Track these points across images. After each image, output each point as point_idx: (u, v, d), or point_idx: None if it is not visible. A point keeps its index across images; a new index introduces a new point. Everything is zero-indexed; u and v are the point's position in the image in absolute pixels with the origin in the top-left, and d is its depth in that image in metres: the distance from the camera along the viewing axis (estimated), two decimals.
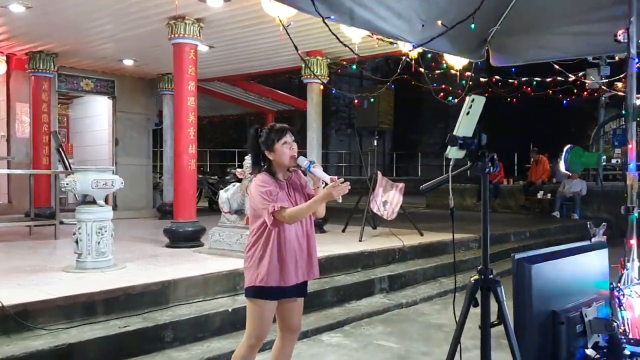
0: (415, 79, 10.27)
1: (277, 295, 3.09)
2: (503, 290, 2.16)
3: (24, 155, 10.35)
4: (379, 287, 6.38)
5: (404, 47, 6.66)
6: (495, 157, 2.10)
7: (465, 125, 2.04)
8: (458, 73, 7.35)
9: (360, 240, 7.62)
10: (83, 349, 3.97)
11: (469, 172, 2.11)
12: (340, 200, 2.94)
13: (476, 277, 2.22)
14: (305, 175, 3.26)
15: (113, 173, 5.67)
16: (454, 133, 2.04)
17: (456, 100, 7.00)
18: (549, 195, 13.37)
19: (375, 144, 8.65)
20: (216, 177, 14.14)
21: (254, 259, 3.07)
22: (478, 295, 2.25)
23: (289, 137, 3.09)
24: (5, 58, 10.08)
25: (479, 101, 2.06)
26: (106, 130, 12.23)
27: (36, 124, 9.79)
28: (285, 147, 3.07)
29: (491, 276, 2.21)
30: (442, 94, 9.26)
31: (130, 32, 8.10)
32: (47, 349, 3.81)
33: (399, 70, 5.16)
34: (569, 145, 3.52)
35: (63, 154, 10.39)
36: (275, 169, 3.12)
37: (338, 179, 2.94)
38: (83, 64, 10.62)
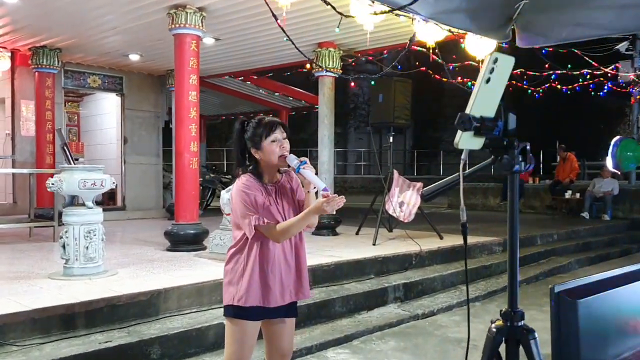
0: (435, 73, 9.76)
1: (259, 315, 2.62)
2: (539, 345, 1.53)
3: (28, 154, 10.02)
4: (393, 296, 5.85)
5: (418, 33, 6.15)
6: (528, 148, 1.48)
7: (483, 99, 1.38)
8: (480, 64, 6.79)
9: (374, 244, 7.11)
10: None
11: (492, 169, 1.57)
12: (333, 212, 2.52)
13: (499, 322, 1.58)
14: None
15: (103, 172, 5.23)
16: (467, 111, 1.40)
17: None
18: (577, 195, 12.68)
19: (391, 140, 8.10)
20: (230, 176, 13.74)
21: (234, 275, 2.62)
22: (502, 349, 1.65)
23: (279, 134, 2.61)
24: (9, 54, 9.76)
25: (505, 62, 1.41)
26: (115, 129, 11.88)
27: (40, 121, 9.47)
28: (275, 146, 2.59)
29: (521, 323, 1.57)
30: (460, 78, 8.67)
31: (132, 24, 7.71)
32: None
33: (407, 48, 4.62)
34: (617, 138, 2.94)
35: (68, 153, 10.03)
36: (263, 170, 2.65)
37: (331, 194, 2.47)
38: (88, 59, 10.28)
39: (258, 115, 2.73)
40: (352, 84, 10.15)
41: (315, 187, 2.63)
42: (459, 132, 1.40)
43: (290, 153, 2.63)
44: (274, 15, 3.86)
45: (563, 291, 1.41)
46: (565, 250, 9.15)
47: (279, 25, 3.90)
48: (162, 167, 12.33)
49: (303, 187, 2.71)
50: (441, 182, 1.59)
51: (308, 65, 8.27)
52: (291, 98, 13.98)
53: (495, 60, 1.41)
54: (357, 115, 29.37)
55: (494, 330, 1.54)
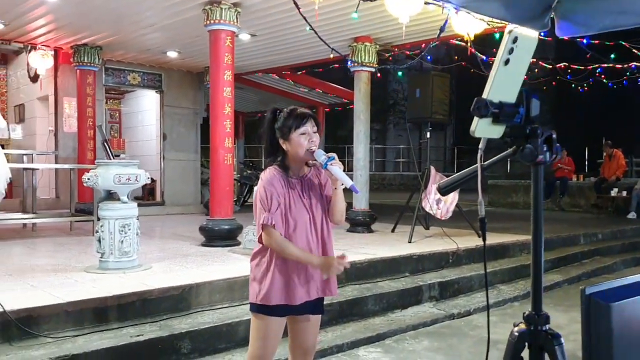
0: (474, 67, 9.53)
1: (284, 311, 2.58)
2: (565, 352, 1.38)
3: (71, 150, 10.25)
4: (428, 295, 5.73)
5: (456, 26, 5.99)
6: (554, 137, 1.34)
7: (502, 83, 1.25)
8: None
9: (409, 242, 6.99)
10: None
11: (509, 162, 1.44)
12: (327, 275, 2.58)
13: (522, 325, 1.45)
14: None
15: (138, 167, 5.28)
16: (484, 96, 1.26)
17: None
18: (623, 193, 12.23)
19: (429, 136, 7.94)
20: None
21: (258, 271, 2.60)
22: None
23: (309, 127, 2.53)
24: (52, 52, 10.00)
25: (527, 41, 1.27)
26: (155, 125, 12.05)
27: (81, 118, 9.67)
28: (303, 139, 2.51)
29: (546, 327, 1.42)
30: None
31: (170, 21, 7.79)
32: None
33: (437, 36, 4.47)
34: None
35: (108, 149, 10.23)
36: (289, 163, 2.58)
37: (360, 192, 2.39)
38: (128, 56, 10.44)
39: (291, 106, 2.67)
40: (379, 74, 9.94)
41: (342, 185, 2.57)
42: (476, 119, 1.28)
43: (319, 148, 2.56)
44: (300, 12, 3.78)
45: (595, 293, 1.29)
46: (610, 250, 8.82)
47: (307, 22, 3.82)
48: (201, 163, 12.44)
49: (331, 183, 2.62)
50: (458, 174, 1.48)
51: (332, 57, 8.15)
52: (329, 94, 13.91)
53: (515, 40, 1.27)
54: (396, 112, 29.10)
55: (516, 334, 1.41)
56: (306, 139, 2.52)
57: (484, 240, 1.47)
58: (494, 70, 1.25)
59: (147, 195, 11.51)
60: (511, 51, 1.25)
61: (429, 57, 7.23)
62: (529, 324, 1.39)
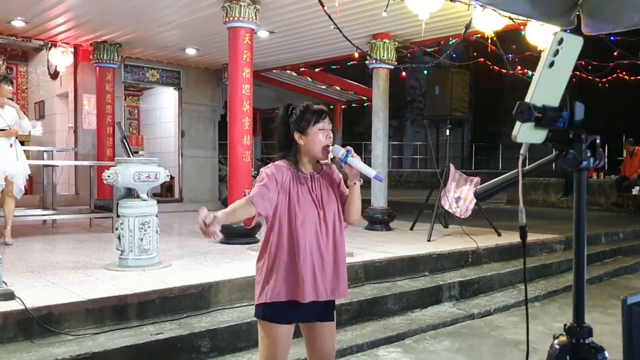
0: (494, 64, 9.44)
1: (291, 316, 2.50)
2: None
3: (90, 146, 10.33)
4: (448, 295, 5.68)
5: (477, 22, 5.92)
6: (597, 142, 1.29)
7: (546, 86, 1.21)
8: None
9: (428, 240, 6.93)
10: (108, 359, 3.57)
11: (553, 164, 1.38)
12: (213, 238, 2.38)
13: (563, 339, 1.37)
14: (341, 168, 2.66)
15: (158, 165, 5.28)
16: (527, 100, 1.22)
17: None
18: None
19: (448, 133, 7.85)
20: None
21: (264, 271, 2.51)
22: None
23: (327, 124, 2.50)
24: (72, 50, 10.06)
25: (572, 43, 1.23)
26: (173, 122, 12.09)
27: (100, 115, 9.73)
28: (321, 134, 2.48)
29: (589, 340, 1.36)
30: (519, 67, 8.32)
31: (189, 18, 7.78)
32: (67, 359, 3.44)
33: (463, 34, 4.40)
34: None
35: (127, 145, 10.29)
36: (301, 158, 2.53)
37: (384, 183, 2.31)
38: (147, 53, 10.48)
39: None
40: (404, 74, 9.89)
41: (361, 179, 2.52)
42: (518, 124, 1.22)
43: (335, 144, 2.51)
44: (324, 10, 3.74)
45: (636, 303, 1.24)
46: (632, 249, 8.68)
47: (331, 19, 3.78)
48: (219, 160, 12.47)
49: (348, 180, 2.56)
50: (497, 179, 1.42)
51: (356, 55, 8.10)
52: (347, 91, 13.85)
53: (561, 41, 1.23)
54: (413, 108, 28.94)
55: (557, 347, 1.33)
56: (324, 135, 2.49)
57: (524, 248, 1.42)
58: (538, 72, 1.20)
59: (165, 192, 11.55)
60: (556, 53, 1.20)
61: (454, 55, 7.13)
62: (570, 336, 1.33)
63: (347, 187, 2.59)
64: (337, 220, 2.54)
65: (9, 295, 3.85)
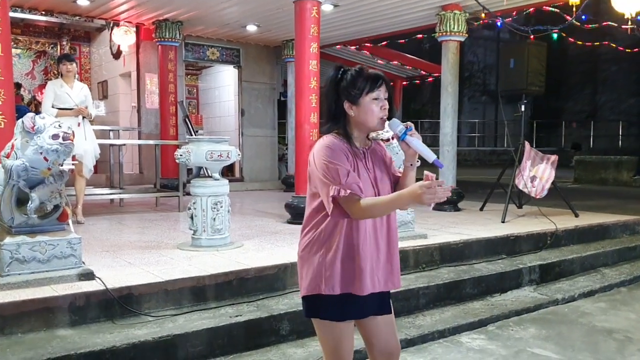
0: (570, 35, 8.93)
1: (344, 313, 2.22)
2: None
3: (153, 125, 10.40)
4: (528, 279, 5.40)
5: None
6: None
7: None
8: (630, 20, 6.02)
9: (503, 222, 6.63)
10: (188, 341, 3.51)
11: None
12: (431, 205, 2.03)
13: None
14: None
15: (229, 144, 5.18)
16: None
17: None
18: None
19: (523, 109, 7.46)
20: None
21: (315, 255, 2.19)
22: None
23: (382, 92, 2.17)
24: (134, 29, 10.10)
25: None
26: (233, 101, 12.06)
27: (163, 94, 9.75)
28: (375, 105, 2.15)
29: None
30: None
31: None
32: (150, 341, 3.38)
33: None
34: None
35: (190, 125, 10.34)
36: (353, 132, 2.21)
37: (435, 178, 2.00)
38: (208, 31, 10.43)
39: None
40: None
41: (418, 162, 2.22)
42: None
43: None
44: None
45: None
46: None
47: None
48: (277, 140, 12.39)
49: (404, 159, 2.25)
50: None
51: (437, 29, 7.76)
52: (407, 67, 13.48)
53: None
54: (472, 84, 28.18)
55: None
56: (378, 106, 2.17)
57: None
58: None
59: (226, 171, 11.57)
60: None
61: (584, 17, 6.68)
62: None
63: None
64: None
65: (89, 276, 3.84)
